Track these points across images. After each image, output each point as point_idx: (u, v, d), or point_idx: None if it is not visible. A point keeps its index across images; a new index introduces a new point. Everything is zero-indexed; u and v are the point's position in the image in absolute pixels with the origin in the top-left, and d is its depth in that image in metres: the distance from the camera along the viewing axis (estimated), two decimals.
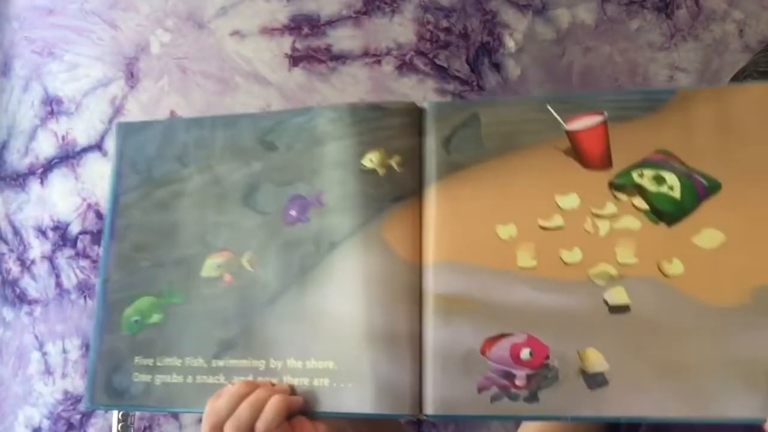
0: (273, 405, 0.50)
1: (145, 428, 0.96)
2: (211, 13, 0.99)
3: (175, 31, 1.00)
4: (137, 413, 0.90)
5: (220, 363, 0.55)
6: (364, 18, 0.97)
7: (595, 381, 0.48)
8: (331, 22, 0.97)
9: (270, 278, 0.56)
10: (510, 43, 0.95)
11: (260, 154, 0.59)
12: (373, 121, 0.57)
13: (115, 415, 0.84)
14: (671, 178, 0.51)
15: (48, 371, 1.02)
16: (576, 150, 0.53)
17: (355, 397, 0.51)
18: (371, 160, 0.56)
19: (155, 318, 0.57)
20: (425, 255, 0.53)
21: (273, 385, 0.53)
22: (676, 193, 0.50)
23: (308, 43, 0.97)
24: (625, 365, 0.48)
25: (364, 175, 0.56)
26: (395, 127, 0.56)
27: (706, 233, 0.49)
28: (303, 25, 0.97)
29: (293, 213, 0.56)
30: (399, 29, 0.96)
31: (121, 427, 0.83)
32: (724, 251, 0.49)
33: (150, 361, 0.56)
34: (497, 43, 0.95)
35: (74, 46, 1.02)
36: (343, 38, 0.97)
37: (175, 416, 0.96)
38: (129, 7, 1.01)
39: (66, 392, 1.00)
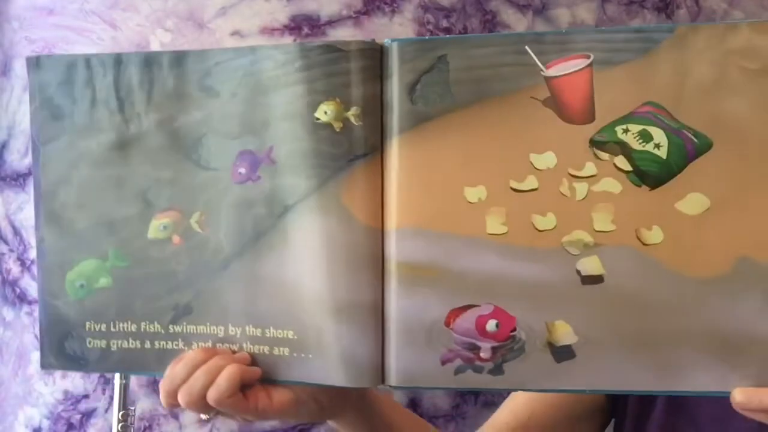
0: (227, 374, 0.49)
1: (145, 428, 0.96)
2: (211, 13, 0.99)
3: (175, 31, 1.00)
4: (137, 412, 0.90)
5: (178, 328, 0.53)
6: (364, 18, 0.97)
7: (562, 354, 0.47)
8: (331, 22, 0.97)
9: (222, 241, 0.52)
10: None
11: (200, 101, 0.53)
12: (328, 65, 0.50)
13: (115, 415, 0.84)
14: (659, 135, 0.46)
15: (48, 371, 1.02)
16: (555, 100, 0.47)
17: (316, 368, 0.50)
18: (325, 112, 0.50)
19: (102, 282, 0.54)
20: (387, 220, 0.49)
21: (234, 353, 0.52)
22: (663, 153, 0.46)
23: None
24: (594, 338, 0.47)
25: (319, 130, 0.50)
26: (353, 72, 0.50)
27: (690, 198, 0.46)
28: (303, 25, 0.97)
29: (242, 170, 0.52)
30: (399, 29, 0.96)
31: (122, 427, 0.83)
32: (707, 218, 0.46)
33: (103, 326, 0.54)
34: None
35: (74, 46, 1.01)
36: (344, 38, 0.97)
37: (175, 416, 0.96)
38: (129, 7, 1.01)
39: (66, 392, 1.00)
